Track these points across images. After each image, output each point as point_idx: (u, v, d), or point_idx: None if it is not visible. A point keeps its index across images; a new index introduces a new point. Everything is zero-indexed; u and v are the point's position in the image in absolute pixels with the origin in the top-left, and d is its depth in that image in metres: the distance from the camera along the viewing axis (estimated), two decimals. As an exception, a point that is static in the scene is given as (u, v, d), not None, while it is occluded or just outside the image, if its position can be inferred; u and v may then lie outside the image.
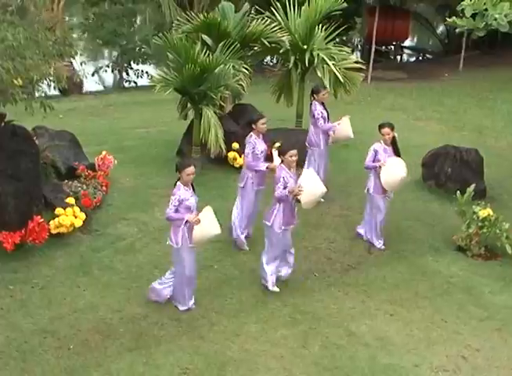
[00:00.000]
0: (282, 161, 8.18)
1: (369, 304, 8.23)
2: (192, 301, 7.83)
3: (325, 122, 10.89)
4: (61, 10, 20.33)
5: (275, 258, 8.26)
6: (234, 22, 12.48)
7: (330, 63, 12.37)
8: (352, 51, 30.78)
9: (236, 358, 7.00)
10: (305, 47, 12.43)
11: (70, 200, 9.32)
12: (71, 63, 20.56)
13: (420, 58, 31.06)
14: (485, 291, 8.73)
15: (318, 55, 12.42)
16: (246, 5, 12.85)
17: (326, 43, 13.06)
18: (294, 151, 8.00)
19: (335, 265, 9.19)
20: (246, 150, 9.22)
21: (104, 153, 11.25)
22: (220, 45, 11.53)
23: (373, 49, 22.77)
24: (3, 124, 8.90)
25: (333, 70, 12.36)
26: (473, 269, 9.29)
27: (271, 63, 21.88)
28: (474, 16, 8.66)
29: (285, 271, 8.48)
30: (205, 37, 12.20)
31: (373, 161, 9.40)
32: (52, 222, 8.98)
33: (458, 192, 10.03)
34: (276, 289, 8.28)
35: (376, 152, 9.43)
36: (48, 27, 8.24)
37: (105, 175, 10.80)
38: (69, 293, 8.08)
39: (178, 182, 7.55)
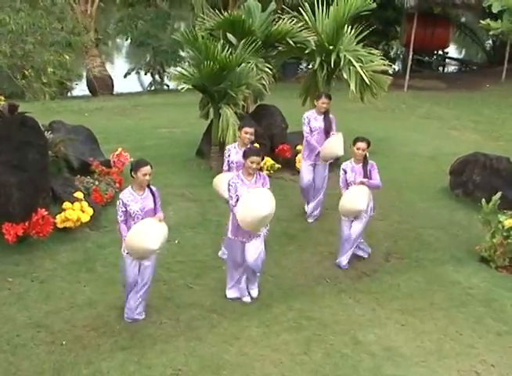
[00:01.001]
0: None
1: (379, 312, 7.90)
2: (138, 312, 7.34)
3: (319, 134, 9.94)
4: (95, 11, 20.51)
5: (232, 276, 7.84)
6: (260, 20, 12.33)
7: (357, 65, 12.07)
8: (394, 60, 30.64)
9: (232, 362, 6.75)
10: (332, 48, 12.16)
11: (79, 194, 9.23)
12: (103, 63, 20.72)
13: (463, 69, 30.55)
14: (507, 304, 8.31)
15: (344, 56, 12.13)
16: (273, 4, 12.68)
17: (356, 44, 12.76)
18: (256, 158, 7.28)
19: (348, 272, 8.89)
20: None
21: (120, 149, 11.17)
22: (241, 42, 11.33)
23: (411, 56, 22.42)
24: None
25: (359, 73, 12.06)
26: (495, 281, 8.87)
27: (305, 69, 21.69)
28: (501, 13, 8.29)
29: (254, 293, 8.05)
30: (229, 35, 12.06)
31: (346, 181, 8.59)
32: (58, 216, 8.90)
33: (483, 200, 9.63)
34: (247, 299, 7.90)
35: (344, 172, 8.57)
36: (58, 16, 8.00)
37: (119, 172, 10.71)
38: (68, 288, 7.95)
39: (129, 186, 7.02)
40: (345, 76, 12.18)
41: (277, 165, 12.02)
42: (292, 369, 6.71)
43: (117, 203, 7.02)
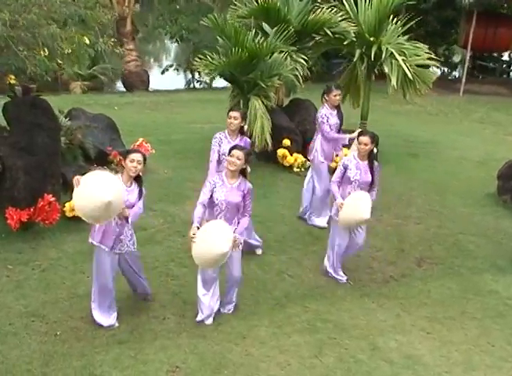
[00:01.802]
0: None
1: (404, 319, 7.62)
2: (114, 317, 6.99)
3: (334, 130, 9.47)
4: (132, 3, 20.72)
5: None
6: (297, 10, 12.21)
7: (400, 58, 11.82)
8: (455, 67, 30.08)
9: (235, 361, 6.57)
10: (373, 39, 11.95)
11: (90, 183, 9.16)
12: (139, 57, 20.87)
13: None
14: (549, 317, 7.93)
15: (386, 49, 11.90)
16: (311, -6, 12.54)
17: (398, 36, 12.54)
18: (238, 153, 6.78)
19: (375, 275, 8.64)
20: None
21: (141, 140, 11.14)
22: (273, 30, 11.20)
23: (468, 58, 21.97)
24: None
25: (402, 67, 11.80)
26: (539, 293, 8.50)
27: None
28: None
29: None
30: (264, 25, 11.97)
31: (342, 178, 7.89)
32: (67, 205, 8.88)
33: (529, 205, 9.26)
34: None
35: (345, 168, 7.83)
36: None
37: (138, 163, 10.64)
38: (70, 278, 7.89)
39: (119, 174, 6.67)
40: (386, 70, 11.94)
41: (309, 163, 11.80)
42: (300, 372, 6.49)
43: None
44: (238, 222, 6.95)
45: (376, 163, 7.92)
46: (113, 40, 8.76)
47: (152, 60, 28.56)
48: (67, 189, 9.18)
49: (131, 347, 6.71)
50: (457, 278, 8.72)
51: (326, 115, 9.43)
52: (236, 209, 6.92)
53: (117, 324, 7.04)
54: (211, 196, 6.87)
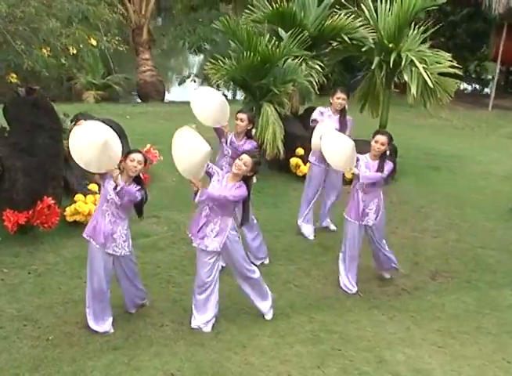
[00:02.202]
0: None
1: (414, 332, 7.51)
2: (109, 323, 6.99)
3: None
4: (150, 11, 20.92)
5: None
6: (314, 15, 12.25)
7: (420, 66, 11.75)
8: (487, 83, 29.86)
9: (233, 370, 6.50)
10: (392, 46, 11.90)
11: (93, 187, 9.26)
12: (155, 67, 21.03)
13: None
14: None
15: (406, 56, 11.85)
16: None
17: (418, 45, 12.49)
18: (247, 159, 6.84)
19: (386, 287, 8.57)
20: None
21: (149, 146, 11.19)
22: (287, 34, 11.23)
23: (498, 71, 21.84)
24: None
25: (422, 74, 11.73)
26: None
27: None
28: None
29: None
30: (280, 30, 12.01)
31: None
32: (68, 209, 8.93)
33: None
34: None
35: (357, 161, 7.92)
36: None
37: (144, 169, 10.67)
38: (67, 283, 7.91)
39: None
40: (406, 78, 11.87)
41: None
42: (300, 383, 6.40)
43: None
44: (220, 225, 6.90)
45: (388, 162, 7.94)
46: (117, 38, 8.75)
47: (173, 73, 28.76)
48: (69, 193, 9.26)
49: (125, 353, 6.68)
50: (474, 292, 8.59)
51: (322, 112, 9.43)
52: (221, 209, 6.88)
53: (112, 330, 7.02)
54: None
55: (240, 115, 8.37)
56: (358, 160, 7.88)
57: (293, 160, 11.66)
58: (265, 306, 7.48)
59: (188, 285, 8.10)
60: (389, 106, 12.78)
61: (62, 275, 8.09)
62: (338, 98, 9.32)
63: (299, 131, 11.80)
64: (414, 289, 8.56)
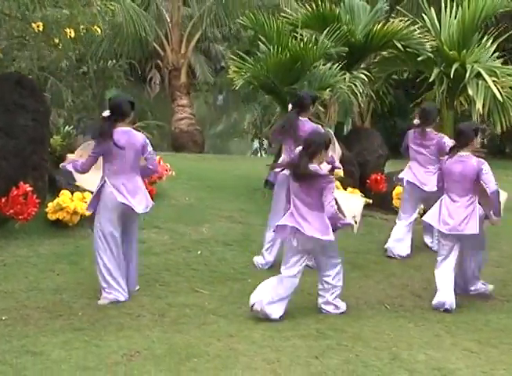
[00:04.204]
0: None
1: (444, 338, 7.57)
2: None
3: None
4: (191, 51, 21.93)
5: None
6: (364, 20, 12.78)
7: (489, 79, 12.09)
8: None
9: (212, 353, 6.67)
10: (452, 53, 12.29)
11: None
12: (193, 116, 21.84)
13: None
14: None
15: (472, 67, 12.21)
16: (383, 2, 13.13)
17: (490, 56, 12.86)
18: None
19: (422, 302, 8.73)
20: None
21: (158, 157, 11.69)
22: (324, 32, 11.75)
23: None
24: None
25: (491, 88, 12.04)
26: None
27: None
28: None
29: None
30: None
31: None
32: (50, 204, 9.36)
33: None
34: None
35: None
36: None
37: (151, 182, 11.15)
38: (36, 274, 8.35)
39: None
40: (470, 92, 12.21)
41: (367, 200, 11.98)
42: (289, 368, 6.51)
43: None
44: None
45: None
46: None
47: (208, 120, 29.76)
48: (55, 191, 9.74)
49: (88, 334, 6.97)
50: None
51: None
52: None
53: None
54: None
55: None
56: None
57: (331, 183, 11.92)
58: None
59: (177, 285, 8.50)
60: (451, 126, 13.03)
61: (32, 267, 8.52)
62: None
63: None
64: (456, 306, 8.59)
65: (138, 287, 8.18)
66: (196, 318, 7.60)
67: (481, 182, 8.37)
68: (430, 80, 12.59)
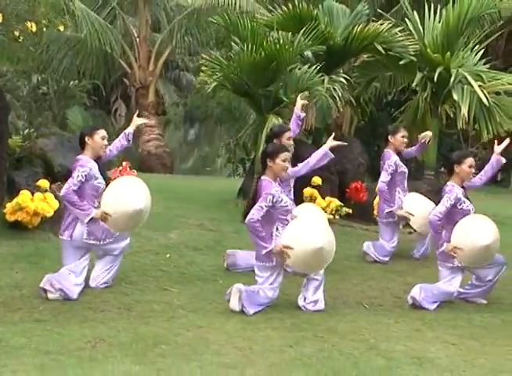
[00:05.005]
0: None
1: (425, 332, 7.89)
2: None
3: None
4: (159, 70, 22.33)
5: None
6: (343, 23, 13.21)
7: (475, 83, 12.46)
8: None
9: (180, 341, 6.97)
10: (436, 56, 12.68)
11: (43, 183, 9.96)
12: (161, 136, 22.20)
13: None
14: None
15: (456, 71, 12.59)
16: (363, 6, 13.59)
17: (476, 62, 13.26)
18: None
19: (402, 303, 9.00)
20: None
21: (124, 163, 12.02)
22: (301, 31, 12.14)
23: None
24: None
25: (477, 93, 12.40)
26: None
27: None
28: None
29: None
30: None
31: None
32: (9, 204, 9.61)
33: None
34: None
35: (459, 201, 8.82)
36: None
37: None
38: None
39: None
40: (455, 97, 12.57)
41: (346, 209, 12.35)
42: (262, 355, 6.79)
43: (78, 170, 8.11)
44: None
45: None
46: None
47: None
48: (13, 193, 9.98)
49: (50, 324, 7.25)
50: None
51: (396, 164, 10.46)
52: None
53: None
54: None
55: None
56: (459, 199, 8.79)
57: (308, 191, 12.21)
58: None
59: (145, 284, 8.80)
60: (438, 140, 13.41)
61: (-14, 265, 8.80)
62: (403, 136, 10.61)
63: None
64: (438, 306, 8.90)
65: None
66: (164, 313, 7.88)
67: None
68: (414, 84, 12.95)
